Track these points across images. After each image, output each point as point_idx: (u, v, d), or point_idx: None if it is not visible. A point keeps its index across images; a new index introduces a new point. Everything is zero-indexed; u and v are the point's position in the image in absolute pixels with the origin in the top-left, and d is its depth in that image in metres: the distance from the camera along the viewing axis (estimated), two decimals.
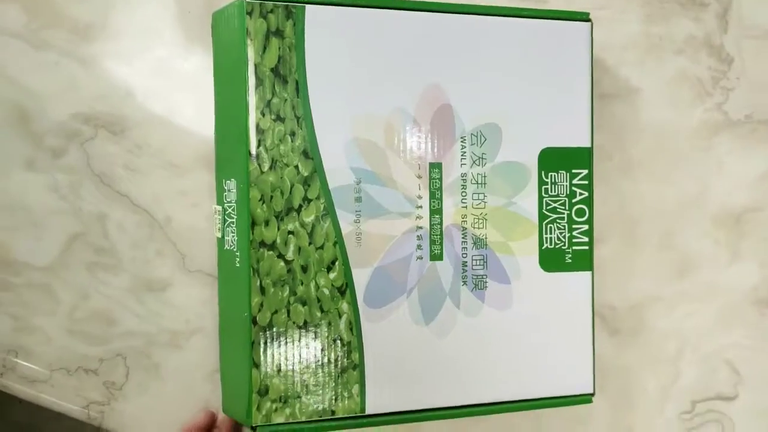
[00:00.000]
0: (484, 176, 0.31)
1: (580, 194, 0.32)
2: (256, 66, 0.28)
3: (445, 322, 0.30)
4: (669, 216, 0.37)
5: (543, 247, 0.31)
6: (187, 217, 0.32)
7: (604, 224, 0.36)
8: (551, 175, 0.32)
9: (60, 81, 0.31)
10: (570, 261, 0.32)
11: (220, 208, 0.30)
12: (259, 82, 0.28)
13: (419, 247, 0.30)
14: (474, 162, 0.30)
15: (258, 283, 0.28)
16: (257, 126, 0.28)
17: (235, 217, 0.29)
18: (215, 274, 0.32)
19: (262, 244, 0.28)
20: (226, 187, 0.29)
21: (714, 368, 0.38)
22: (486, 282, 0.31)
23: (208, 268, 0.32)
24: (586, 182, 0.32)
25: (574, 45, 0.32)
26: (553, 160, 0.32)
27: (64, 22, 0.31)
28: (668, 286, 0.37)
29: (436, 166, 0.30)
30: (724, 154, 0.38)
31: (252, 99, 0.28)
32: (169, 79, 0.32)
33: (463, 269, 0.30)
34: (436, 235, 0.30)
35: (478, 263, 0.31)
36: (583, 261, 0.32)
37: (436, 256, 0.30)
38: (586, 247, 0.32)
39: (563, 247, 0.32)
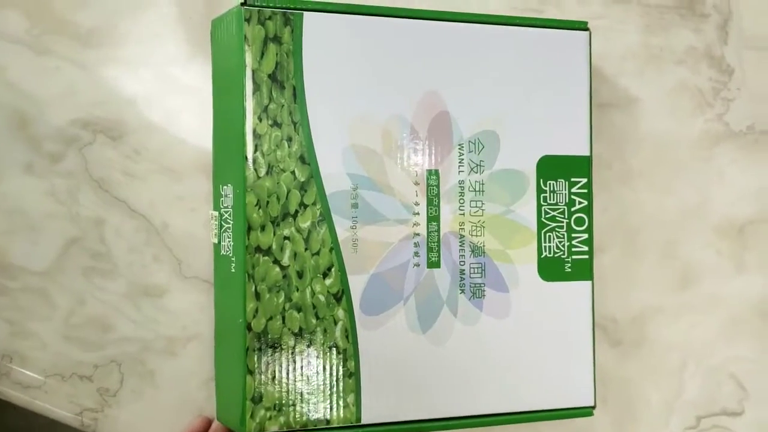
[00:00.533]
0: (482, 184, 0.30)
1: (580, 203, 0.32)
2: (253, 72, 0.28)
3: (442, 330, 0.30)
4: (670, 226, 0.37)
5: (542, 256, 0.31)
6: (184, 223, 0.32)
7: (605, 233, 0.36)
8: (550, 184, 0.31)
9: (60, 86, 0.31)
10: (569, 270, 0.31)
11: (216, 213, 0.30)
12: (257, 87, 0.28)
13: (416, 254, 0.30)
14: (472, 169, 0.30)
15: (253, 289, 0.28)
16: (254, 131, 0.28)
17: (232, 222, 0.29)
18: (211, 281, 0.31)
19: (258, 249, 0.28)
20: (223, 193, 0.29)
21: (719, 382, 0.37)
22: (484, 290, 0.30)
23: (204, 275, 0.32)
24: (586, 191, 0.32)
25: (573, 54, 0.32)
26: (551, 168, 0.31)
27: (65, 27, 0.31)
28: (671, 297, 0.37)
29: (433, 173, 0.30)
30: (726, 164, 0.38)
31: (249, 104, 0.28)
32: (168, 85, 0.32)
33: (460, 277, 0.30)
34: (434, 242, 0.30)
35: (475, 271, 0.30)
36: (583, 270, 0.32)
37: (433, 264, 0.30)
38: (586, 257, 0.32)
39: (562, 256, 0.31)
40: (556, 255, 0.31)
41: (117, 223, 0.31)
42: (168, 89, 0.32)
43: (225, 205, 0.29)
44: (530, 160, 0.31)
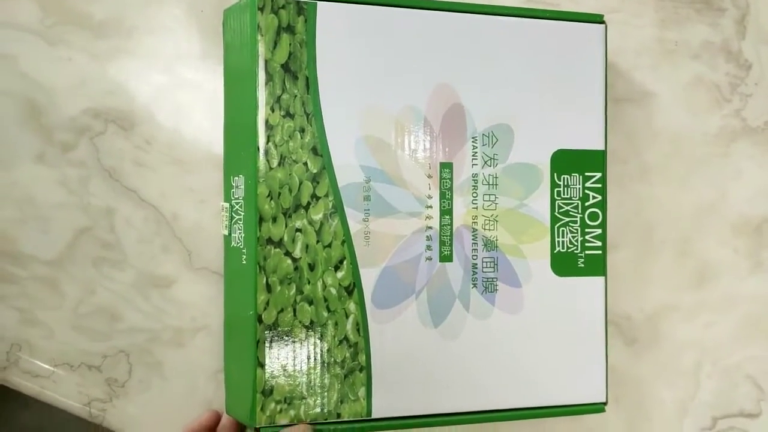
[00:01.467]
0: (496, 177, 0.30)
1: (594, 197, 0.31)
2: (266, 62, 0.28)
3: (454, 324, 0.29)
4: (686, 223, 0.36)
5: (555, 251, 0.31)
6: (194, 214, 0.32)
7: (620, 230, 0.35)
8: (564, 178, 0.31)
9: (72, 76, 0.31)
10: (582, 265, 0.31)
11: (227, 205, 0.29)
12: (269, 77, 0.28)
13: (429, 247, 0.29)
14: (485, 162, 0.30)
15: (264, 281, 0.27)
16: (266, 122, 0.28)
17: (243, 213, 0.28)
18: (221, 272, 0.31)
19: (269, 241, 0.27)
20: (234, 184, 0.29)
21: (735, 383, 0.36)
22: (496, 285, 0.30)
23: (213, 266, 0.32)
24: (600, 185, 0.32)
25: (588, 47, 0.31)
26: (565, 162, 0.31)
27: (78, 18, 0.31)
28: (686, 295, 0.36)
29: (446, 166, 0.30)
30: (743, 161, 0.37)
31: (262, 94, 0.27)
32: (179, 77, 0.32)
33: (473, 271, 0.30)
34: (446, 235, 0.29)
35: (488, 265, 0.30)
36: (596, 266, 0.31)
37: (445, 258, 0.29)
38: (599, 252, 0.31)
39: (576, 251, 0.31)
40: (569, 250, 0.31)
41: (127, 213, 0.31)
42: (180, 80, 0.32)
43: (236, 196, 0.29)
44: (544, 153, 0.31)
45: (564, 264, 0.31)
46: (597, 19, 0.32)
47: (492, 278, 0.30)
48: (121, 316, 0.31)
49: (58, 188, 0.31)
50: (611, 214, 0.34)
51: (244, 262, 0.28)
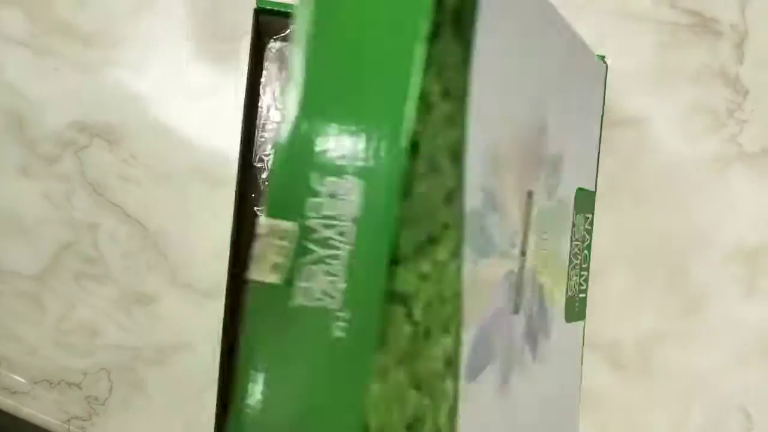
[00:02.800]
0: (551, 213, 0.24)
1: (586, 239, 0.30)
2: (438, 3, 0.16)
3: (514, 387, 0.23)
4: (680, 248, 0.36)
5: (568, 295, 0.28)
6: (180, 230, 0.31)
7: (612, 255, 0.35)
8: (578, 218, 0.29)
9: (58, 88, 0.31)
10: (578, 309, 0.30)
11: (290, 225, 0.16)
12: (436, 29, 0.16)
13: (509, 297, 0.22)
14: (549, 194, 0.24)
15: (381, 364, 0.16)
16: (424, 99, 0.15)
17: (347, 246, 0.16)
18: (205, 290, 0.31)
19: (394, 296, 0.16)
20: (321, 189, 0.16)
21: (726, 412, 0.36)
22: (537, 337, 0.26)
23: (197, 283, 0.31)
24: (590, 227, 0.30)
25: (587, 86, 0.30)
26: (580, 201, 0.29)
27: (65, 29, 0.31)
28: (678, 322, 0.36)
29: (529, 195, 0.22)
30: (739, 186, 0.37)
31: (419, 56, 0.15)
32: (166, 90, 0.31)
33: (528, 323, 0.24)
34: (521, 280, 0.22)
35: (537, 315, 0.25)
36: (582, 309, 0.30)
37: (516, 308, 0.23)
38: (584, 295, 0.30)
39: (577, 295, 0.30)
40: (574, 294, 0.29)
41: (111, 228, 0.31)
42: (166, 94, 0.31)
43: (324, 213, 0.16)
44: (571, 191, 0.27)
45: (571, 308, 0.29)
46: (598, 58, 0.30)
47: (536, 330, 0.25)
48: (103, 332, 0.31)
49: (41, 201, 0.30)
50: (604, 238, 0.34)
51: (341, 333, 0.16)
